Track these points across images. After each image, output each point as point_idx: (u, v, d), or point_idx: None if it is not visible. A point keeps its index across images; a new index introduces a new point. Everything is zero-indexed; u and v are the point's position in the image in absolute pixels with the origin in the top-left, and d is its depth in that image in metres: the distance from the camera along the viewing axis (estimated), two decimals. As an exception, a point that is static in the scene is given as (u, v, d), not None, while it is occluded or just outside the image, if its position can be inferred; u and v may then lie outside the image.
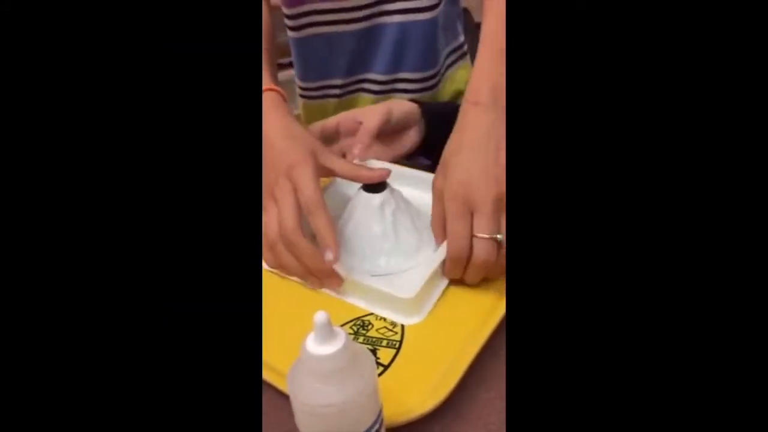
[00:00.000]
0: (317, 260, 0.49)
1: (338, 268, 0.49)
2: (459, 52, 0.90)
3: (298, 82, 0.90)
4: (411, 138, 0.70)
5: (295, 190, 0.50)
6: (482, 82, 0.50)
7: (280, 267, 0.52)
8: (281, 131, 0.54)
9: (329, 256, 0.48)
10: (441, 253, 0.49)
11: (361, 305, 0.50)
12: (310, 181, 0.50)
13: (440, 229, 0.50)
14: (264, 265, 0.54)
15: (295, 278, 0.53)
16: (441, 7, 0.81)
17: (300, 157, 0.51)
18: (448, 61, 0.88)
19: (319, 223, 0.49)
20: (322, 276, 0.50)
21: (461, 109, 0.52)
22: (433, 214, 0.51)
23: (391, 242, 0.53)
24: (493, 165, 0.47)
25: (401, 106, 0.68)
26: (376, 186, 0.55)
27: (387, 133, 0.67)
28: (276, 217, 0.50)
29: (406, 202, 0.56)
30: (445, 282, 0.51)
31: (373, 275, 0.51)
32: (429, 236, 0.54)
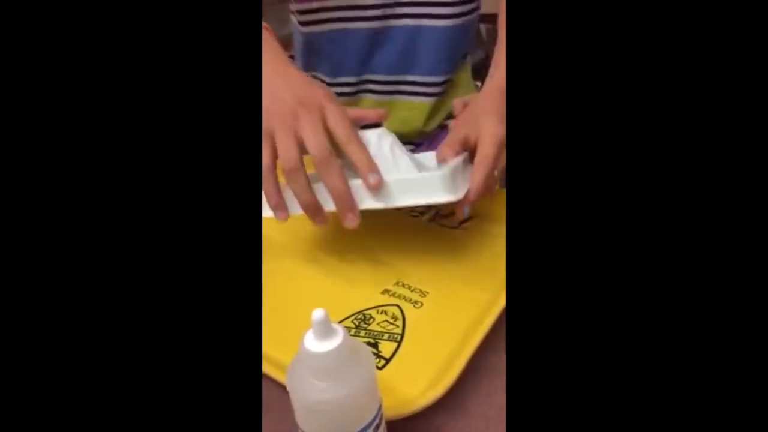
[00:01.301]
0: (347, 188, 0.48)
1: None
2: (465, 60, 0.90)
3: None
4: None
5: (326, 124, 0.49)
6: (503, 75, 0.57)
7: (297, 193, 0.49)
8: (294, 70, 0.53)
9: (373, 179, 0.47)
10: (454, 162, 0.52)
11: (392, 204, 0.49)
12: (343, 113, 0.50)
13: (454, 143, 0.54)
14: (265, 212, 0.52)
15: (297, 213, 0.51)
16: (460, 18, 0.80)
17: (328, 96, 0.51)
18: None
19: (358, 152, 0.48)
20: (346, 207, 0.48)
21: (480, 93, 0.59)
22: (451, 134, 0.55)
23: (392, 174, 0.52)
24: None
25: None
26: (372, 125, 0.55)
27: None
28: (293, 145, 0.48)
29: (401, 143, 0.57)
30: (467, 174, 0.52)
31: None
32: (426, 170, 0.56)
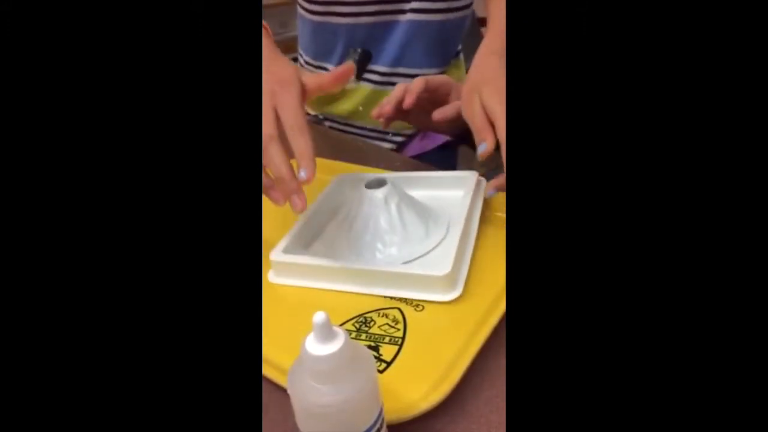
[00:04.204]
0: (288, 171, 0.48)
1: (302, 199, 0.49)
2: (458, 57, 0.92)
3: (305, 57, 0.91)
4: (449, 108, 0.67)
5: (277, 109, 0.49)
6: (496, 37, 0.60)
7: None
8: (265, 50, 0.54)
9: (303, 174, 0.48)
10: (457, 230, 0.53)
11: (391, 294, 0.50)
12: (295, 102, 0.50)
13: (486, 125, 0.54)
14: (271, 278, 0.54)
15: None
16: (453, 13, 0.82)
17: (286, 77, 0.51)
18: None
19: (300, 143, 0.48)
20: (288, 191, 0.49)
21: (477, 57, 0.59)
22: (472, 117, 0.55)
23: (399, 233, 0.55)
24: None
25: (437, 77, 0.68)
26: (378, 183, 0.56)
27: (425, 101, 0.67)
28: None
29: (408, 195, 0.57)
30: (470, 255, 0.53)
31: (392, 264, 0.53)
32: (434, 224, 0.57)
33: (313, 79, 0.54)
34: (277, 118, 0.49)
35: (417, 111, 0.65)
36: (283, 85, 0.50)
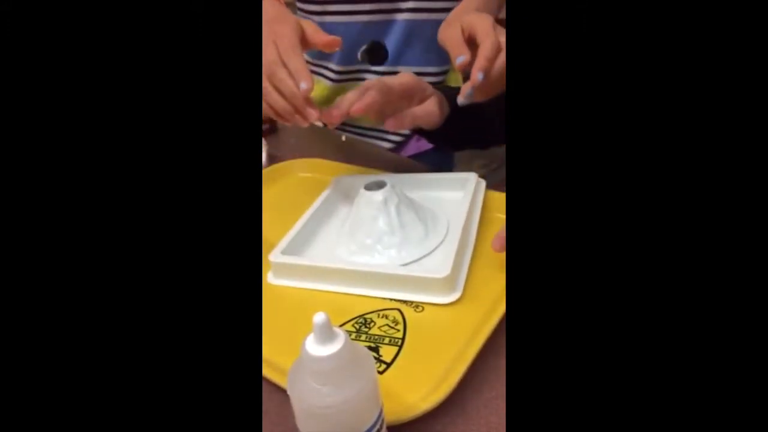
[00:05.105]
0: (294, 86, 0.53)
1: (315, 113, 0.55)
2: None
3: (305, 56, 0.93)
4: (419, 110, 0.65)
5: (275, 42, 0.55)
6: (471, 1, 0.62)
7: (266, 106, 0.56)
8: (271, 5, 0.60)
9: (303, 85, 0.53)
10: (457, 232, 0.53)
11: (390, 296, 0.50)
12: (290, 32, 0.55)
13: (461, 44, 0.55)
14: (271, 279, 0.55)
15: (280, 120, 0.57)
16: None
17: (283, 17, 0.57)
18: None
19: (295, 62, 0.54)
20: (300, 105, 0.54)
21: (452, 13, 0.62)
22: (449, 39, 0.56)
23: (399, 235, 0.55)
24: None
25: (401, 78, 0.67)
26: (377, 184, 0.56)
27: (392, 102, 0.66)
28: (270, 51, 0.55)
29: (408, 197, 0.58)
30: (469, 256, 0.54)
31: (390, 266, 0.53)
32: (433, 225, 0.57)
33: (311, 26, 0.58)
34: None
35: (377, 111, 0.63)
36: (280, 21, 0.56)
